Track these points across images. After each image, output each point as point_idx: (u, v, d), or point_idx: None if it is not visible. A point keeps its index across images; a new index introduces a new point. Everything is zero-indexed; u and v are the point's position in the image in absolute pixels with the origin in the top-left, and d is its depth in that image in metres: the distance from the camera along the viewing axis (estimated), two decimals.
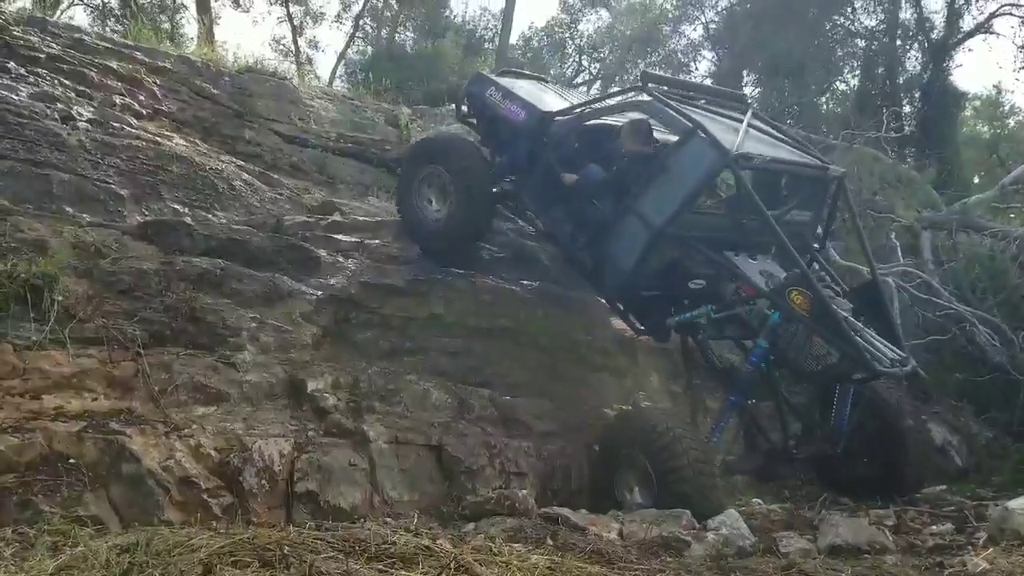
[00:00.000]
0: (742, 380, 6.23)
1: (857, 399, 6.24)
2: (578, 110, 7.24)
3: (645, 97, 6.73)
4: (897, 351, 5.99)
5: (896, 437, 6.37)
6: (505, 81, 8.08)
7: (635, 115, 6.74)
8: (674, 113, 6.37)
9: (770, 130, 7.01)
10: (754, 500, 6.83)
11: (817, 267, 6.58)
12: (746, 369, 6.22)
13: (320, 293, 6.82)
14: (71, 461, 4.64)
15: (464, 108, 8.39)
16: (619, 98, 7.25)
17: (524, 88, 7.91)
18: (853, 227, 7.43)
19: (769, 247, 6.49)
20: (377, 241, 7.83)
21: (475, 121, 8.36)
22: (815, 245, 6.84)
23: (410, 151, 8.56)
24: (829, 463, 6.51)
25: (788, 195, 6.67)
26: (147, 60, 9.77)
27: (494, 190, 7.71)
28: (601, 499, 5.94)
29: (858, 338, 5.80)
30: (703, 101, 7.12)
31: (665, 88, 7.00)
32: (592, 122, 7.16)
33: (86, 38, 9.54)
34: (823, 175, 6.62)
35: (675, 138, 6.41)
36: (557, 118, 7.19)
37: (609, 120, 7.11)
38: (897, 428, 6.40)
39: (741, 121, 6.56)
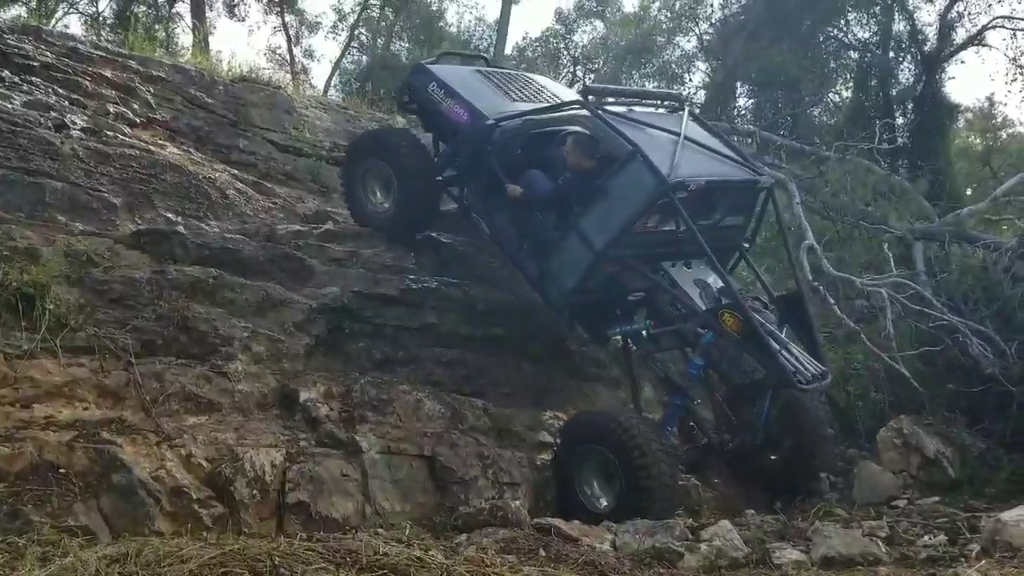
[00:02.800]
0: (684, 387, 6.63)
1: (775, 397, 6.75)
2: (521, 119, 7.33)
3: (586, 112, 6.80)
4: (818, 365, 6.38)
5: (800, 431, 6.95)
6: (446, 73, 8.09)
7: (577, 129, 6.86)
8: (615, 133, 6.48)
9: (706, 137, 7.18)
10: (747, 511, 6.82)
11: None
12: (686, 382, 6.64)
13: (313, 302, 6.80)
14: (61, 471, 4.61)
15: (406, 98, 8.40)
16: (562, 111, 7.34)
17: (465, 83, 7.94)
18: (780, 235, 7.93)
19: (703, 254, 6.60)
20: (370, 250, 7.81)
21: (417, 109, 8.38)
22: (745, 245, 7.27)
23: (351, 147, 8.66)
24: (748, 453, 6.97)
25: (721, 201, 6.86)
26: (141, 69, 9.76)
27: (438, 179, 7.79)
28: (561, 495, 6.20)
29: (783, 354, 6.16)
30: (642, 108, 7.36)
31: (607, 100, 7.13)
32: (537, 130, 7.28)
33: (80, 47, 9.52)
34: (754, 186, 6.94)
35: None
36: (501, 124, 7.26)
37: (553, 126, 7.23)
38: (801, 422, 6.96)
39: (677, 132, 6.66)
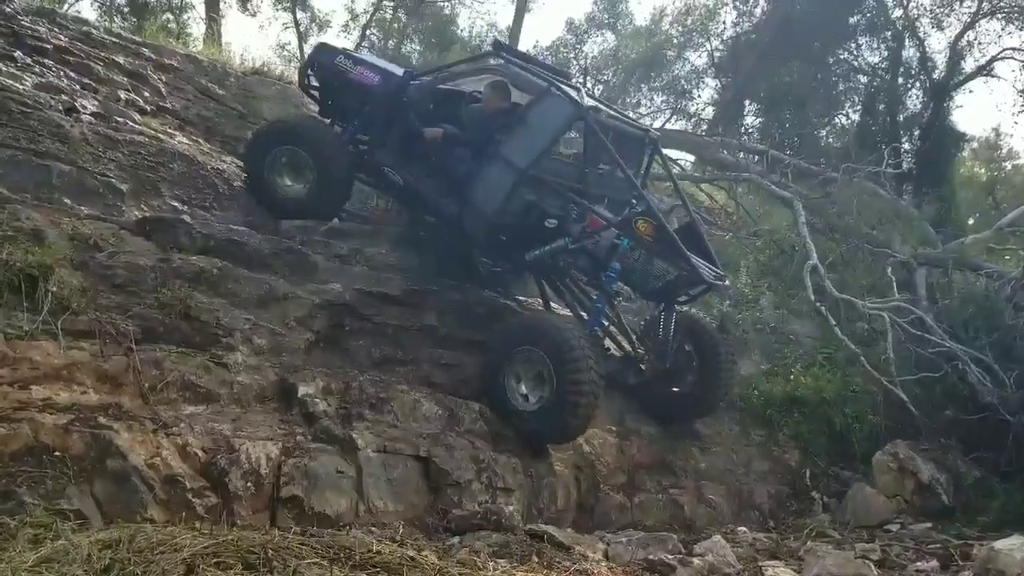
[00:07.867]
0: (604, 290, 7.11)
1: (679, 325, 7.36)
2: (436, 73, 8.09)
3: (498, 62, 7.63)
4: (716, 270, 7.27)
5: (704, 362, 7.54)
6: (350, 51, 8.78)
7: (493, 77, 7.60)
8: (528, 75, 7.38)
9: (598, 100, 8.24)
10: (740, 528, 6.81)
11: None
12: (606, 285, 7.07)
13: (315, 298, 6.80)
14: (56, 453, 4.58)
15: (308, 79, 8.64)
16: (475, 63, 8.13)
17: (370, 57, 8.64)
18: (672, 184, 8.94)
19: (603, 198, 7.43)
20: (374, 249, 7.83)
21: (317, 91, 8.64)
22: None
23: (259, 133, 8.60)
24: (657, 379, 7.48)
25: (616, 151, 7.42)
26: (154, 57, 9.78)
27: (350, 160, 8.13)
28: (488, 395, 6.68)
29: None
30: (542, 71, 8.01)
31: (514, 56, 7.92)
32: (446, 87, 7.92)
33: (94, 31, 9.53)
34: (644, 136, 8.07)
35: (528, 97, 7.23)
36: (416, 78, 7.88)
37: (461, 86, 7.94)
38: (705, 354, 7.54)
39: (577, 88, 7.53)
